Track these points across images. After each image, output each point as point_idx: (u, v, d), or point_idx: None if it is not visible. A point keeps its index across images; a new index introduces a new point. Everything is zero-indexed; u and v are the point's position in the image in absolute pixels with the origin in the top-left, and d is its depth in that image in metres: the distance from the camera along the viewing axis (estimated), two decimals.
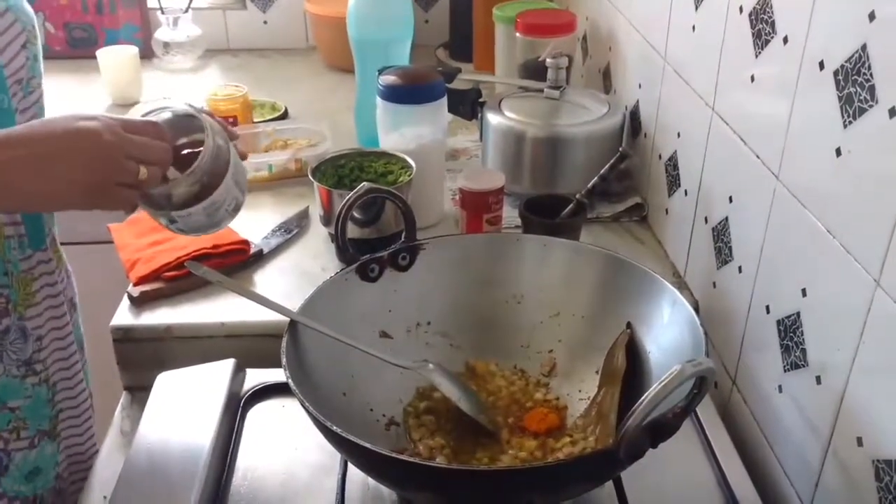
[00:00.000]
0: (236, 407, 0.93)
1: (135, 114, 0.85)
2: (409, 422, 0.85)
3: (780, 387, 0.86)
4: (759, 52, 0.89)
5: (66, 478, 0.97)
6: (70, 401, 0.97)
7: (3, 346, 0.86)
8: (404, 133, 1.21)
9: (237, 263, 1.14)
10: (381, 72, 1.24)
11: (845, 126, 0.72)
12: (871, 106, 0.69)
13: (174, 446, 0.84)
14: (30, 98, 0.88)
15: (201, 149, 0.83)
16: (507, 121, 1.29)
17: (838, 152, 0.74)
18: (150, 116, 0.84)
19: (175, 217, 0.85)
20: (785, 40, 0.83)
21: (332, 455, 0.83)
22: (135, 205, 0.80)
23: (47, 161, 0.73)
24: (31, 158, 0.72)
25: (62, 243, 1.02)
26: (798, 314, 0.82)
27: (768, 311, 0.88)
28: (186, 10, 1.95)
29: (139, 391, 1.02)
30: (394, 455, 0.70)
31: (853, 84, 0.71)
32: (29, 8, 0.89)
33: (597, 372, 0.86)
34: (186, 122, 0.87)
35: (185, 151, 0.86)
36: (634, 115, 1.34)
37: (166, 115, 0.86)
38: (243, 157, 0.90)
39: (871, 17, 0.68)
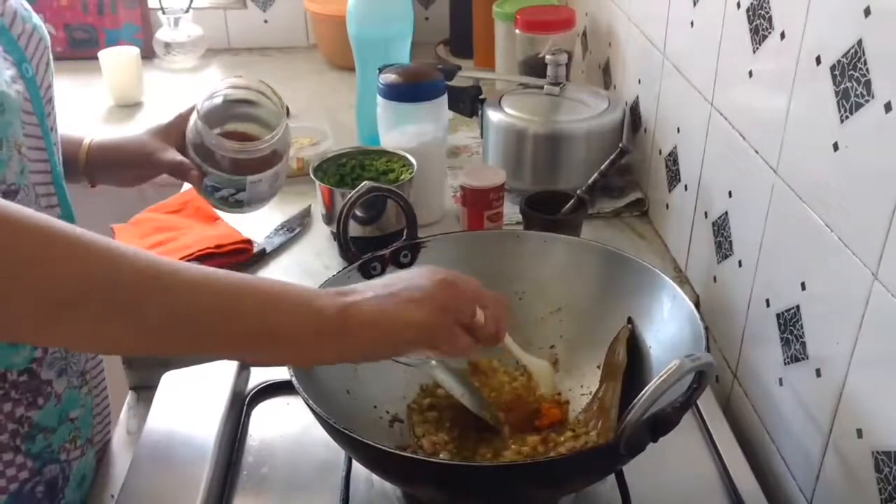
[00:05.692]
0: (241, 405, 0.93)
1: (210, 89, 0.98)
2: (413, 418, 0.86)
3: (780, 380, 0.87)
4: (757, 48, 0.89)
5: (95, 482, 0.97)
6: (101, 405, 0.97)
7: (66, 359, 0.85)
8: (405, 131, 1.21)
9: (240, 263, 1.15)
10: (381, 70, 1.24)
11: (842, 121, 0.73)
12: (867, 101, 0.69)
13: (180, 445, 0.85)
14: (52, 115, 0.86)
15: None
16: (507, 118, 1.30)
17: (836, 147, 0.74)
18: (206, 103, 0.96)
19: (247, 183, 0.97)
20: (782, 36, 0.84)
21: (336, 452, 0.83)
22: None
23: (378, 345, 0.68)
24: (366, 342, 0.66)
25: None
26: (798, 308, 0.83)
27: (768, 305, 0.89)
28: (187, 10, 1.95)
29: (145, 390, 1.03)
30: (398, 452, 0.71)
31: (849, 79, 0.71)
32: (39, 20, 0.85)
33: (598, 367, 0.87)
34: (227, 108, 0.97)
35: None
36: (634, 111, 1.35)
37: (217, 100, 0.97)
38: None
39: (867, 12, 0.69)
